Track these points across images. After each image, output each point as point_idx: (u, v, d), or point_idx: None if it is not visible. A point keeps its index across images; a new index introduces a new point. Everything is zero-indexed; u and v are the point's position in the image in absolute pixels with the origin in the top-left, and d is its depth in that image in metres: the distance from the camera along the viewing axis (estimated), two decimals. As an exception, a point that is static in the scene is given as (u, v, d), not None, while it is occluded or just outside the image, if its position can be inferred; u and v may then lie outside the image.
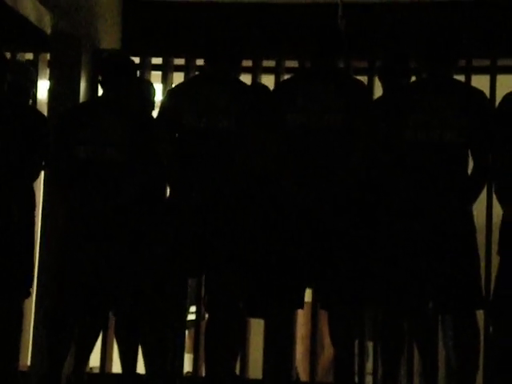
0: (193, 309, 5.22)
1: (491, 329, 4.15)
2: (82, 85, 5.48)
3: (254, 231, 4.30)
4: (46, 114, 5.28)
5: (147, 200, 4.41)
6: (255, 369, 5.17)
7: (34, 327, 5.30)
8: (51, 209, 5.22)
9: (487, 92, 4.99)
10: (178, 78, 5.66)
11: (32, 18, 5.31)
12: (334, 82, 4.21)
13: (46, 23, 5.36)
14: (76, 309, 4.29)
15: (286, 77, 5.19)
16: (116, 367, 5.17)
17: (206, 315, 4.48)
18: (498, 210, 4.17)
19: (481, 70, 5.45)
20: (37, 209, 4.76)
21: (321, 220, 4.09)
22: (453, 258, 3.98)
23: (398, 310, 4.06)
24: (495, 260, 4.30)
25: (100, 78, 4.51)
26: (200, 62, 5.49)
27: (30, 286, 4.60)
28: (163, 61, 5.75)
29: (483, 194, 4.36)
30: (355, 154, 4.11)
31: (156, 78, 5.67)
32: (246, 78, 5.11)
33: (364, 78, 5.21)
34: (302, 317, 5.17)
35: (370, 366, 5.24)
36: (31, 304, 5.23)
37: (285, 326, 4.25)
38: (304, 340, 5.29)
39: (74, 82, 5.45)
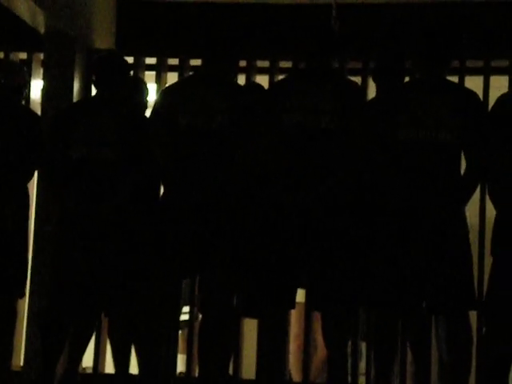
0: (186, 309, 5.22)
1: (484, 329, 4.16)
2: (76, 84, 5.47)
3: (247, 231, 4.30)
4: (39, 113, 5.27)
5: (141, 200, 4.41)
6: (248, 369, 5.18)
7: (27, 327, 5.30)
8: (45, 208, 5.21)
9: (481, 93, 5.01)
10: (172, 77, 5.66)
11: (26, 17, 5.30)
12: (329, 82, 4.22)
13: (40, 23, 5.35)
14: (70, 309, 4.29)
15: (280, 77, 5.20)
16: (109, 367, 5.16)
17: (200, 315, 4.48)
18: (491, 211, 4.18)
19: (474, 71, 5.46)
20: (30, 208, 4.75)
21: (315, 220, 4.09)
22: (445, 259, 3.98)
23: (391, 311, 4.06)
24: (488, 260, 4.31)
25: (94, 77, 4.51)
26: (194, 62, 5.50)
27: (24, 285, 4.60)
28: (157, 61, 5.75)
29: (476, 195, 4.37)
30: (349, 155, 4.12)
31: (150, 77, 5.67)
32: (240, 78, 5.12)
33: (358, 79, 5.22)
34: (294, 317, 5.17)
35: (363, 366, 5.24)
36: (24, 304, 5.23)
37: (278, 326, 4.25)
38: (297, 340, 5.29)
39: (67, 82, 5.44)
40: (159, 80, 5.71)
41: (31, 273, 5.03)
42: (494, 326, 4.01)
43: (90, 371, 5.42)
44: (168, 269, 4.23)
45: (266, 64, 5.67)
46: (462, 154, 4.11)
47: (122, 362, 4.41)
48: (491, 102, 4.28)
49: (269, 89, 4.75)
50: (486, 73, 5.44)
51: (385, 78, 4.62)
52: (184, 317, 5.21)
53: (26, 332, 5.30)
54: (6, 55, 5.66)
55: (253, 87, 4.75)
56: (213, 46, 4.36)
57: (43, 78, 5.57)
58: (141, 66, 5.72)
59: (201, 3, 5.82)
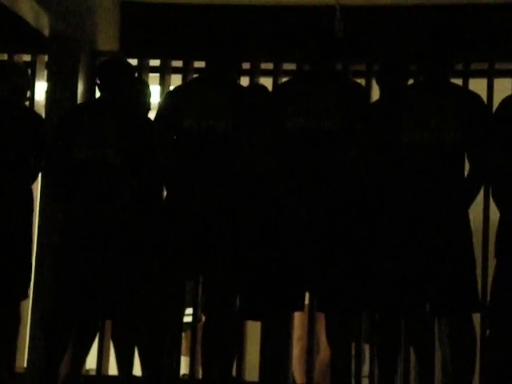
0: (189, 311, 5.22)
1: (488, 332, 4.15)
2: (80, 86, 5.48)
3: (251, 234, 4.29)
4: (43, 115, 5.28)
5: (144, 202, 4.41)
6: (252, 371, 5.17)
7: (30, 329, 5.30)
8: (49, 210, 5.21)
9: (484, 95, 5.00)
10: (175, 80, 5.67)
11: (30, 19, 5.30)
12: (332, 84, 4.22)
13: (44, 25, 5.36)
14: (73, 310, 4.29)
15: (284, 79, 5.19)
16: (112, 369, 5.16)
17: (203, 317, 4.48)
18: (494, 213, 4.17)
19: (478, 74, 5.46)
20: (34, 210, 4.76)
21: (319, 223, 4.09)
22: (449, 261, 3.98)
23: (394, 313, 4.06)
24: (492, 262, 4.30)
25: (98, 81, 4.51)
26: (198, 64, 5.50)
27: (28, 288, 4.60)
28: (161, 63, 5.75)
29: (480, 197, 4.37)
30: (353, 157, 4.12)
31: (154, 79, 5.67)
32: (244, 81, 5.12)
33: (362, 81, 5.22)
34: (298, 319, 5.17)
35: (366, 368, 5.24)
36: (28, 305, 5.23)
37: (282, 328, 4.25)
38: (300, 342, 5.29)
39: (71, 84, 5.44)
40: (163, 82, 5.71)
41: (35, 275, 5.03)
42: (497, 329, 4.00)
43: (93, 373, 5.42)
44: (171, 271, 4.23)
45: (269, 66, 5.67)
46: (466, 156, 4.11)
47: (125, 364, 4.41)
48: (495, 104, 4.28)
49: (272, 91, 4.75)
50: (490, 75, 5.44)
51: (388, 81, 4.61)
52: (187, 319, 5.21)
53: (30, 334, 5.30)
54: (10, 57, 5.67)
55: (257, 89, 4.74)
56: (216, 48, 4.36)
57: (47, 80, 5.58)
58: (145, 68, 5.72)
59: (205, 5, 5.82)
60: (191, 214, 4.20)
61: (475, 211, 4.31)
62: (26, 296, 4.62)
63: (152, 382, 4.32)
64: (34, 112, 5.02)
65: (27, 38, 5.66)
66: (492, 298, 4.05)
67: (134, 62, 5.10)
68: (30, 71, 5.36)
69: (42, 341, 4.39)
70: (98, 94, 4.67)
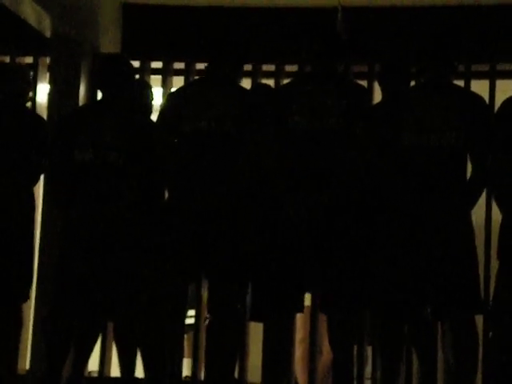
0: (191, 313, 5.21)
1: (490, 334, 4.15)
2: (82, 88, 5.48)
3: (254, 235, 4.29)
4: (45, 117, 5.28)
5: (146, 203, 4.41)
6: (254, 373, 5.17)
7: (32, 331, 5.30)
8: (50, 212, 5.21)
9: (486, 97, 5.00)
10: (177, 82, 5.67)
11: (32, 21, 5.31)
12: (334, 85, 4.22)
13: (46, 27, 5.37)
14: (75, 312, 4.29)
15: (286, 81, 5.19)
16: (115, 371, 5.16)
17: (205, 319, 4.47)
18: (497, 214, 4.17)
19: (480, 75, 5.46)
20: (36, 212, 4.76)
21: (318, 223, 4.09)
22: (451, 263, 3.97)
23: (397, 315, 4.05)
24: (494, 264, 4.30)
25: (98, 80, 4.51)
26: (200, 66, 5.50)
27: (29, 289, 4.60)
28: (163, 65, 5.76)
29: (482, 199, 4.36)
30: (352, 157, 4.12)
31: (156, 81, 5.68)
32: (246, 82, 5.12)
33: (363, 82, 5.22)
34: (300, 321, 5.17)
35: (368, 370, 5.23)
36: (30, 308, 5.23)
37: (284, 330, 4.25)
38: (302, 345, 5.28)
39: (73, 86, 5.45)
40: (165, 84, 5.72)
41: (37, 277, 5.04)
42: (500, 331, 3.99)
43: (95, 375, 5.42)
44: (174, 272, 4.23)
45: (271, 68, 5.67)
46: (469, 158, 4.10)
47: (127, 365, 4.40)
48: (497, 105, 4.27)
49: (274, 92, 4.75)
50: (492, 76, 5.44)
51: (391, 82, 4.61)
52: (190, 320, 5.21)
53: (32, 336, 5.30)
54: (12, 59, 5.67)
55: (260, 89, 4.73)
56: (218, 50, 4.36)
57: (49, 82, 5.58)
58: (147, 70, 5.72)
59: (206, 8, 5.83)
60: (193, 214, 4.20)
61: (477, 212, 4.30)
62: (28, 298, 4.62)
63: (154, 383, 4.32)
64: (36, 114, 5.02)
65: (29, 40, 5.67)
66: (494, 299, 4.04)
67: (136, 63, 5.10)
68: (31, 73, 5.36)
69: (44, 343, 4.39)
70: (99, 96, 4.67)
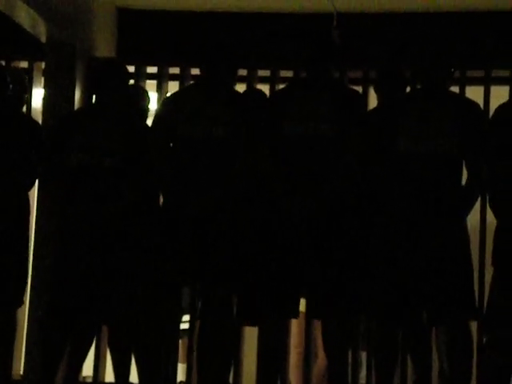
0: (186, 318, 5.21)
1: (485, 339, 4.15)
2: (77, 93, 5.48)
3: (248, 240, 4.30)
4: (40, 122, 5.28)
5: (141, 208, 4.41)
6: (248, 378, 5.17)
7: (27, 336, 5.29)
8: (45, 217, 5.21)
9: (481, 102, 5.01)
10: (173, 86, 5.67)
11: (27, 26, 5.30)
12: (329, 91, 4.22)
13: (41, 32, 5.36)
14: (70, 316, 4.28)
15: (281, 86, 5.20)
16: (109, 376, 5.16)
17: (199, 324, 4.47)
18: (492, 221, 4.17)
19: (475, 81, 5.47)
20: (31, 217, 4.75)
21: (315, 230, 4.10)
22: (446, 269, 3.97)
23: (391, 320, 4.06)
24: (489, 269, 4.30)
25: (94, 84, 4.51)
26: (195, 71, 5.51)
27: (23, 294, 4.59)
28: (158, 70, 5.76)
29: (477, 204, 4.37)
30: (347, 161, 4.13)
31: (151, 86, 5.68)
32: (241, 88, 5.12)
33: (358, 88, 5.23)
34: (295, 326, 5.17)
35: (363, 376, 5.23)
36: (24, 313, 5.22)
37: (279, 335, 4.25)
38: (297, 349, 5.28)
39: (68, 91, 5.45)
40: (160, 89, 5.72)
41: (31, 281, 5.03)
42: (494, 336, 4.00)
43: (90, 380, 5.42)
44: (168, 276, 4.23)
45: (266, 73, 5.68)
46: (464, 164, 4.11)
47: (122, 370, 4.40)
48: (492, 111, 4.28)
49: (269, 98, 4.75)
50: (487, 82, 5.45)
51: (386, 88, 4.62)
52: (184, 325, 5.21)
53: (26, 341, 5.29)
54: (8, 64, 5.67)
55: (254, 93, 4.74)
56: (213, 55, 4.37)
57: (44, 87, 5.58)
58: (142, 75, 5.73)
59: (202, 13, 5.84)
60: (188, 220, 4.20)
61: (472, 218, 4.31)
62: (22, 303, 4.61)
63: (148, 389, 4.33)
64: (31, 119, 5.02)
65: (24, 44, 5.67)
66: (489, 305, 4.04)
67: (131, 68, 5.10)
68: (27, 78, 5.36)
69: (38, 348, 4.38)
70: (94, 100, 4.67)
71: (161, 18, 5.90)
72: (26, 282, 4.67)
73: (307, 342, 5.19)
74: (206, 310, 4.26)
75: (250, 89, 5.38)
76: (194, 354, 5.10)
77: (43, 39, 5.46)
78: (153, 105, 5.11)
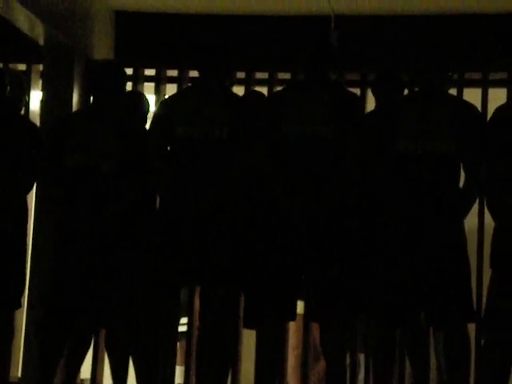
0: (184, 320, 5.21)
1: (483, 342, 4.15)
2: (75, 96, 5.48)
3: (248, 240, 4.29)
4: (38, 124, 5.27)
5: (139, 210, 4.40)
6: (247, 381, 5.17)
7: (24, 338, 5.29)
8: (43, 218, 5.21)
9: (479, 105, 5.01)
10: (170, 89, 5.67)
11: (25, 28, 5.30)
12: (327, 93, 4.23)
13: (39, 34, 5.36)
14: (68, 319, 4.27)
15: (279, 89, 5.20)
16: (107, 379, 5.15)
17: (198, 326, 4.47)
18: (489, 223, 4.17)
19: (473, 83, 5.48)
20: (29, 220, 4.75)
21: (314, 230, 4.10)
22: (444, 271, 3.98)
23: (389, 322, 4.06)
24: (487, 272, 4.30)
25: (92, 85, 4.50)
26: (193, 73, 5.51)
27: (21, 297, 4.59)
28: (156, 72, 5.76)
29: (475, 207, 4.37)
30: (347, 161, 4.13)
31: (149, 89, 5.68)
32: (239, 90, 5.12)
33: (356, 91, 5.23)
34: (293, 328, 5.17)
35: (361, 377, 5.23)
36: (22, 315, 5.22)
37: (277, 337, 4.25)
38: (294, 351, 5.28)
39: (66, 93, 5.45)
40: (158, 91, 5.72)
41: (29, 284, 5.02)
42: (492, 339, 4.00)
43: (87, 383, 5.41)
44: (167, 278, 4.23)
45: (264, 75, 5.68)
46: (462, 167, 4.11)
47: (119, 373, 4.40)
48: (490, 114, 4.29)
49: (267, 100, 4.76)
50: (485, 85, 5.45)
51: (384, 91, 4.63)
52: (182, 328, 5.21)
53: (24, 343, 5.29)
54: (5, 66, 5.67)
55: (252, 96, 4.74)
56: (210, 57, 4.37)
57: (42, 90, 5.58)
58: (140, 78, 5.73)
59: (199, 15, 5.84)
60: (187, 220, 4.21)
61: (470, 220, 4.31)
62: (20, 305, 4.60)
63: (146, 391, 4.32)
64: (30, 121, 5.01)
65: (22, 47, 5.67)
66: (487, 308, 4.04)
67: (129, 71, 5.10)
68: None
69: (36, 351, 4.38)
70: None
71: (158, 20, 5.90)
72: (25, 285, 4.67)
73: (305, 344, 5.18)
74: (205, 311, 4.26)
75: (249, 91, 5.38)
76: (192, 356, 5.11)
77: (41, 42, 5.46)
78: (151, 107, 5.11)
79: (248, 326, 4.43)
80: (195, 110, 4.29)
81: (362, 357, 5.25)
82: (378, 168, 4.09)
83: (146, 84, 5.75)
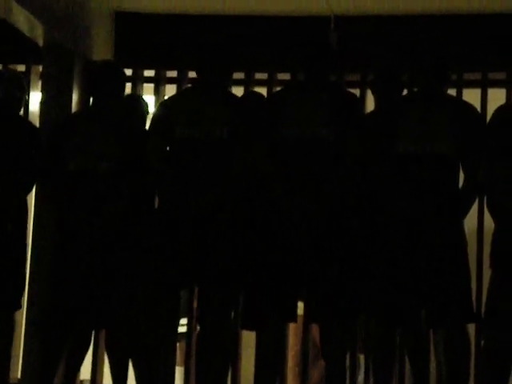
0: (184, 321, 5.21)
1: (483, 342, 4.15)
2: (74, 96, 5.47)
3: (248, 240, 4.29)
4: (38, 125, 5.27)
5: (141, 208, 4.41)
6: (247, 381, 5.16)
7: (24, 339, 5.28)
8: (43, 220, 5.20)
9: (478, 105, 5.01)
10: (170, 90, 5.67)
11: (24, 29, 5.30)
12: (326, 94, 4.23)
13: (39, 35, 5.36)
14: (69, 319, 4.27)
15: (279, 89, 5.20)
16: (107, 380, 5.15)
17: (198, 327, 4.47)
18: (489, 223, 4.18)
19: (472, 84, 5.48)
20: (29, 220, 4.75)
21: (314, 230, 4.10)
22: (444, 271, 3.98)
23: (389, 322, 4.06)
24: (487, 272, 4.31)
25: (92, 86, 4.50)
26: (192, 74, 5.51)
27: (21, 298, 4.59)
28: (156, 73, 5.76)
29: (474, 207, 4.37)
30: (347, 162, 4.13)
31: (148, 90, 5.68)
32: (239, 91, 5.13)
33: (356, 91, 5.23)
34: (291, 328, 5.16)
35: (361, 378, 5.23)
36: (22, 316, 5.21)
37: (277, 339, 4.25)
38: (292, 351, 5.28)
39: (66, 94, 5.44)
40: (157, 92, 5.72)
41: (29, 284, 5.02)
42: (492, 339, 4.00)
43: (87, 384, 5.42)
44: (166, 279, 4.23)
45: (264, 76, 5.68)
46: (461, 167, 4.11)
47: (119, 374, 4.40)
48: (489, 114, 4.29)
49: (267, 100, 4.76)
50: (484, 85, 5.45)
51: (383, 91, 4.63)
52: (182, 329, 5.21)
53: (24, 344, 5.28)
54: (5, 67, 5.67)
55: (252, 96, 4.74)
56: (205, 57, 4.37)
57: (42, 90, 5.58)
58: (139, 78, 5.73)
59: (199, 16, 5.83)
60: (187, 220, 4.21)
61: (469, 220, 4.32)
62: (20, 306, 4.61)
63: (146, 392, 4.32)
64: (29, 122, 5.02)
65: (22, 48, 5.66)
66: (487, 308, 4.05)
67: (128, 72, 5.10)
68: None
69: (36, 351, 4.38)
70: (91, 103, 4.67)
71: (158, 21, 5.90)
72: (25, 286, 4.67)
73: (304, 345, 5.18)
74: (205, 311, 4.26)
75: (249, 91, 5.38)
76: (192, 357, 5.10)
77: (41, 42, 5.46)
78: (150, 108, 5.11)
79: (247, 327, 4.43)
80: (195, 110, 4.29)
81: (361, 357, 5.25)
82: (378, 168, 4.09)
83: (145, 85, 5.75)
